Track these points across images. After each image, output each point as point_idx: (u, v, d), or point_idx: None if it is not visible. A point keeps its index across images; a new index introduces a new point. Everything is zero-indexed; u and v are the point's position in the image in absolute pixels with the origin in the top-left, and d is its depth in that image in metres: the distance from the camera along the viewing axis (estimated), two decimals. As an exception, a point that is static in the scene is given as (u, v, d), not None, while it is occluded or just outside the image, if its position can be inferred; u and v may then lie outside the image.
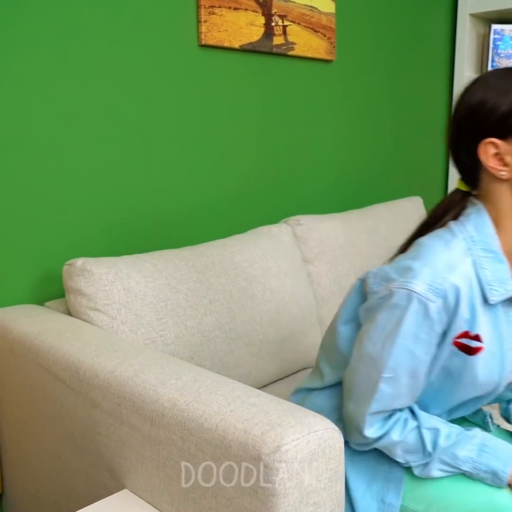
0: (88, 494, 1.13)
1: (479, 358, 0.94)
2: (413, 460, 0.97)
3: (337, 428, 0.85)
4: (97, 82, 1.52)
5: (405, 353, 0.91)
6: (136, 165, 1.63)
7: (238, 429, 0.82)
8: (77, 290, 1.29)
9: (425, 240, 0.97)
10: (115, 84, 1.56)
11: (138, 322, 1.31)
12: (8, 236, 1.42)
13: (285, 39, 1.89)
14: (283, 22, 1.87)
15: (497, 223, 0.96)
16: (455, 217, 1.00)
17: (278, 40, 1.87)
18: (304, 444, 0.79)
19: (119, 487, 1.05)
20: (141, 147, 1.64)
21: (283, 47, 1.89)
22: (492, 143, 0.92)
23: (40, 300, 1.49)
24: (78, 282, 1.29)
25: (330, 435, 0.83)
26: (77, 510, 1.17)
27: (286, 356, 1.59)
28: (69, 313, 1.37)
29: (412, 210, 2.13)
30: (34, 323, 1.26)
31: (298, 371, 1.68)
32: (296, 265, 1.69)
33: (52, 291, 1.51)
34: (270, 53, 1.89)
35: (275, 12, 1.84)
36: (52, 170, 1.47)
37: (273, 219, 2.00)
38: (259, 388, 1.57)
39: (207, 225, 1.83)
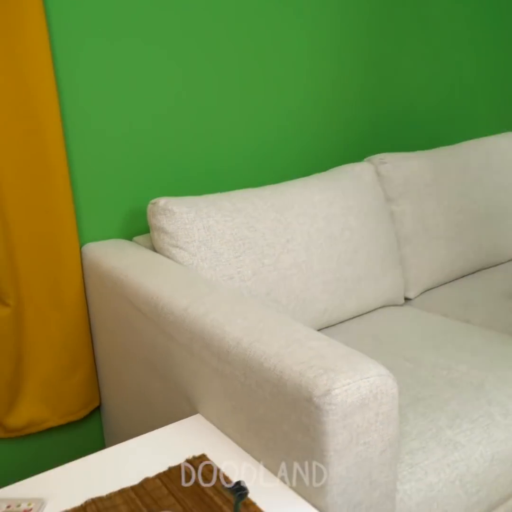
0: (168, 414, 1.24)
1: None
2: None
3: (391, 375, 0.88)
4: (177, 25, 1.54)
5: None
6: (216, 106, 1.66)
7: (294, 370, 0.87)
8: (160, 228, 1.37)
9: None
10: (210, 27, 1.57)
11: (216, 259, 1.38)
12: (101, 175, 1.51)
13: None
14: None
15: None
16: None
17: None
18: (354, 389, 0.84)
19: (193, 411, 1.15)
20: (221, 88, 1.66)
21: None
22: None
23: (129, 235, 1.59)
24: (160, 220, 1.37)
25: (383, 381, 0.87)
26: (159, 427, 1.30)
27: (363, 295, 1.61)
28: (154, 249, 1.46)
29: (507, 146, 2.02)
30: (121, 258, 1.36)
31: (375, 309, 1.71)
32: (378, 204, 1.68)
33: (141, 226, 1.61)
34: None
35: None
36: (138, 113, 1.53)
37: (356, 158, 1.98)
38: (334, 325, 1.62)
39: (288, 164, 1.85)
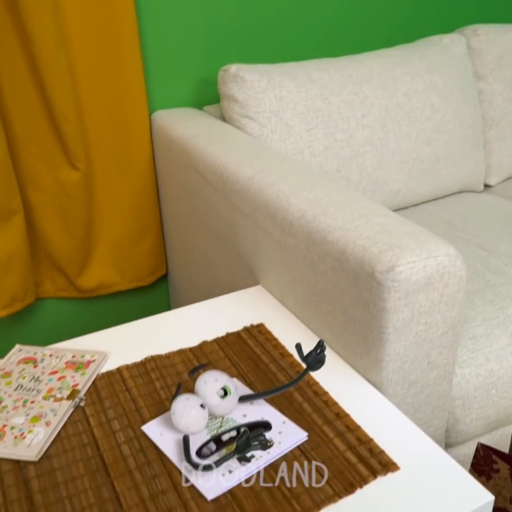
0: (230, 284, 1.26)
1: None
2: None
3: (460, 256, 0.84)
4: None
5: None
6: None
7: (357, 245, 0.84)
8: (230, 96, 1.32)
9: None
10: None
11: (287, 131, 1.32)
12: (172, 41, 1.45)
13: None
14: None
15: None
16: None
17: None
18: (420, 267, 0.80)
19: (254, 282, 1.15)
20: None
21: None
22: None
23: (199, 105, 1.55)
24: (231, 88, 1.31)
25: (451, 262, 0.82)
26: (221, 294, 1.32)
27: (440, 178, 1.53)
28: (223, 118, 1.41)
29: None
30: (189, 127, 1.32)
31: (452, 194, 1.63)
32: (465, 81, 1.55)
33: (211, 96, 1.56)
34: None
35: None
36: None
37: (446, 29, 1.81)
38: (407, 208, 1.56)
39: (370, 33, 1.71)
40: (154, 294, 1.73)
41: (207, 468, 0.71)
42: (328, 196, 0.97)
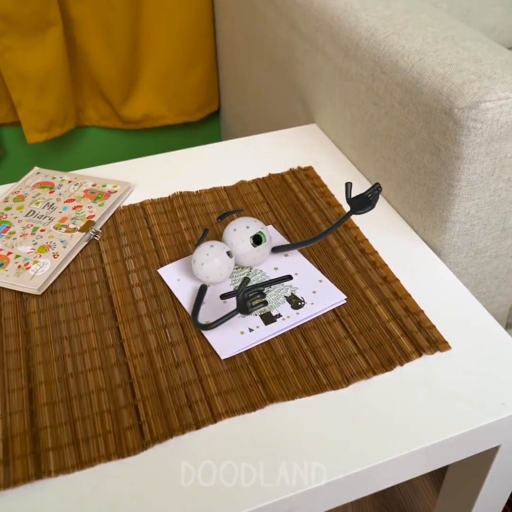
0: (284, 122, 1.10)
1: None
2: None
3: None
4: None
5: None
6: None
7: (436, 73, 0.66)
8: None
9: None
10: None
11: None
12: None
13: None
14: None
15: None
16: None
17: None
18: (513, 106, 0.62)
19: (309, 120, 0.99)
20: None
21: None
22: None
23: None
24: None
25: (556, 104, 0.64)
26: (273, 131, 1.17)
27: (550, 14, 1.26)
28: None
29: None
30: None
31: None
32: None
33: None
34: None
35: None
36: None
37: None
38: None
39: None
40: (204, 132, 1.59)
41: (204, 326, 0.61)
42: (407, 13, 0.77)
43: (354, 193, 0.82)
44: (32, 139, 1.33)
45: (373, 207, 0.62)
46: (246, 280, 0.57)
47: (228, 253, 0.67)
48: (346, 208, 0.79)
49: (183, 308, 0.66)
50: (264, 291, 0.60)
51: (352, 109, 0.82)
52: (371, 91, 0.77)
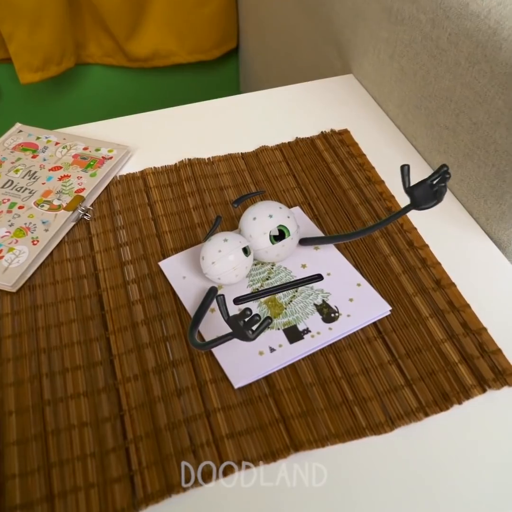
0: (313, 72, 0.94)
1: None
2: None
3: None
4: None
5: None
6: None
7: (522, 23, 0.51)
8: None
9: None
10: None
11: None
12: None
13: None
14: None
15: None
16: None
17: None
18: None
19: (345, 70, 0.83)
20: None
21: None
22: None
23: None
24: None
25: None
26: (301, 82, 1.01)
27: None
28: None
29: None
30: None
31: None
32: None
33: None
34: None
35: None
36: None
37: None
38: None
39: None
40: (221, 74, 1.42)
41: (198, 345, 0.49)
42: None
43: (403, 172, 0.67)
44: (25, 79, 1.18)
45: (439, 200, 0.48)
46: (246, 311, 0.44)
47: (245, 250, 0.54)
48: (391, 186, 0.65)
49: (188, 314, 0.54)
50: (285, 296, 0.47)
51: (402, 60, 0.67)
52: (429, 41, 0.61)
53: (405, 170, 0.49)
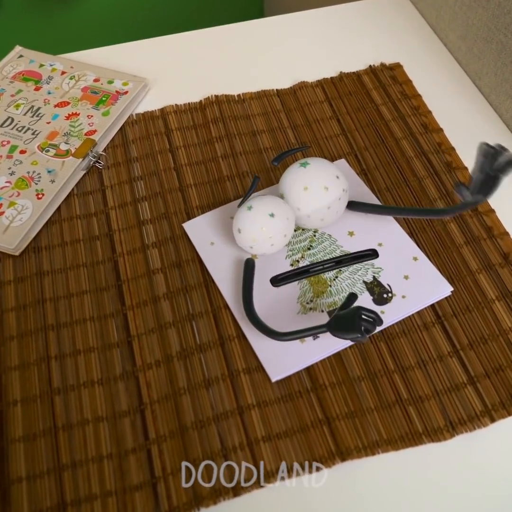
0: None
1: None
2: None
3: None
4: None
5: None
6: None
7: None
8: None
9: None
10: None
11: None
12: None
13: None
14: None
15: None
16: None
17: None
18: None
19: (394, -12, 0.72)
20: None
21: None
22: None
23: None
24: None
25: None
26: (338, 3, 0.89)
27: None
28: None
29: None
30: None
31: None
32: None
33: None
34: None
35: None
36: None
37: None
38: None
39: None
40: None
41: (275, 334, 0.42)
42: None
43: (469, 120, 0.58)
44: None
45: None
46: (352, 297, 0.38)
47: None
48: (451, 136, 0.56)
49: (217, 288, 0.47)
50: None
51: (473, -17, 0.56)
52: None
53: (483, 150, 0.40)
